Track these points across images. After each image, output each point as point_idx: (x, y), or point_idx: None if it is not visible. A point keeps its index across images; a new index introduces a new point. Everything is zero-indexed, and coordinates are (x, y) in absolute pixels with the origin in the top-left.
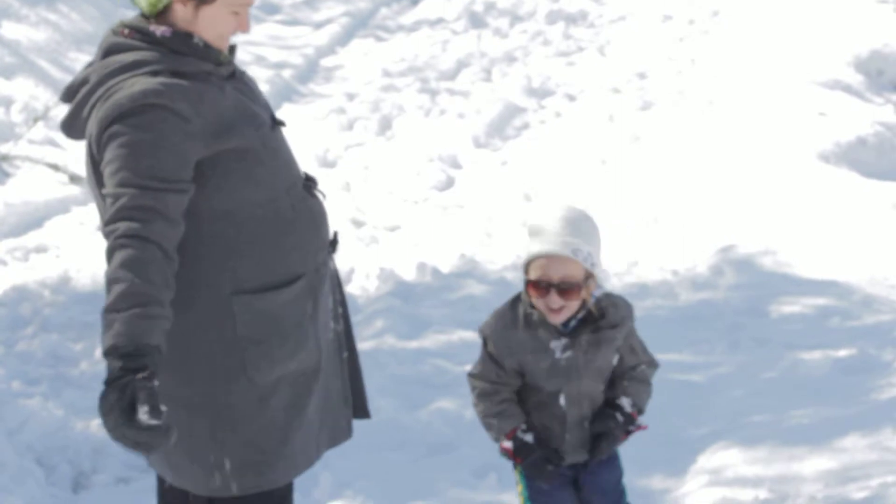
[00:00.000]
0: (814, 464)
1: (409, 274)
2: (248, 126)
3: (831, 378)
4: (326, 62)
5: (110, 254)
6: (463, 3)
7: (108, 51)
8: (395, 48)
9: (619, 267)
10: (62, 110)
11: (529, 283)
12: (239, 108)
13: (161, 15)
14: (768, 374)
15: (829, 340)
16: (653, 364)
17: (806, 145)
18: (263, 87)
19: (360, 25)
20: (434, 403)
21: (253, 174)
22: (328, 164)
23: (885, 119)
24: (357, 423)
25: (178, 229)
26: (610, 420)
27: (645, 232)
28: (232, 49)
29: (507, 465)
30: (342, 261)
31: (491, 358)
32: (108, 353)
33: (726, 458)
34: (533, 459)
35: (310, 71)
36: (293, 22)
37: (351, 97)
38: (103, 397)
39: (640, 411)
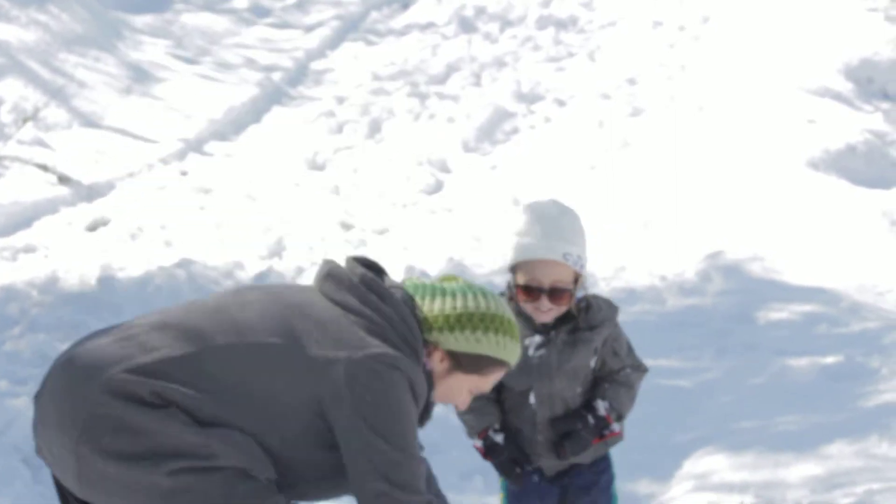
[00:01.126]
0: (800, 470)
1: (397, 277)
2: None
3: (818, 384)
4: (316, 65)
5: None
6: (453, 7)
7: (399, 311)
8: (385, 52)
9: (608, 272)
10: (52, 111)
11: (519, 288)
12: None
13: (425, 343)
14: (755, 381)
15: (817, 347)
16: (639, 368)
17: (795, 152)
18: (253, 90)
19: (350, 29)
20: None
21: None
22: (317, 166)
23: (875, 127)
24: None
25: None
26: (578, 420)
27: (634, 237)
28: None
29: (493, 468)
30: None
31: None
32: None
33: (713, 463)
34: (501, 460)
35: (300, 74)
36: (283, 25)
37: (340, 100)
38: None
39: (620, 416)
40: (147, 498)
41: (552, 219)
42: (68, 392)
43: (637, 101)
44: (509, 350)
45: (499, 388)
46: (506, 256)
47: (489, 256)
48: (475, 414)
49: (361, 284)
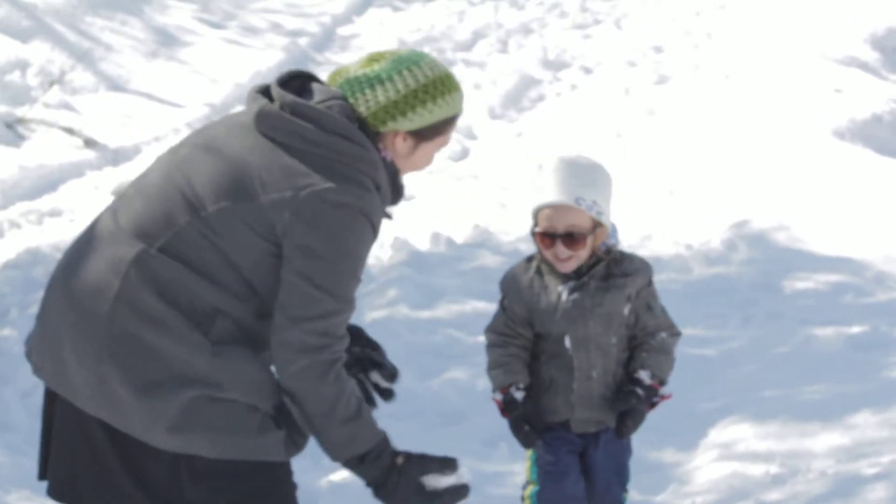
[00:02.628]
0: (825, 439)
1: (423, 244)
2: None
3: (844, 354)
4: (343, 31)
5: (331, 376)
6: None
7: (340, 131)
8: (411, 18)
9: (633, 240)
10: (78, 75)
11: (536, 234)
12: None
13: (378, 134)
14: (781, 350)
15: (842, 316)
16: (674, 332)
17: (821, 121)
18: (279, 55)
19: None
20: (446, 373)
21: None
22: None
23: None
24: None
25: None
26: (631, 397)
27: (659, 206)
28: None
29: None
30: None
31: (503, 308)
32: (361, 463)
33: (738, 432)
34: (515, 416)
35: (326, 39)
36: None
37: None
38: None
39: (662, 382)
40: (155, 423)
41: (569, 166)
42: (82, 313)
43: (663, 68)
44: (457, 100)
45: (535, 337)
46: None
47: (515, 223)
48: (503, 369)
49: (295, 117)
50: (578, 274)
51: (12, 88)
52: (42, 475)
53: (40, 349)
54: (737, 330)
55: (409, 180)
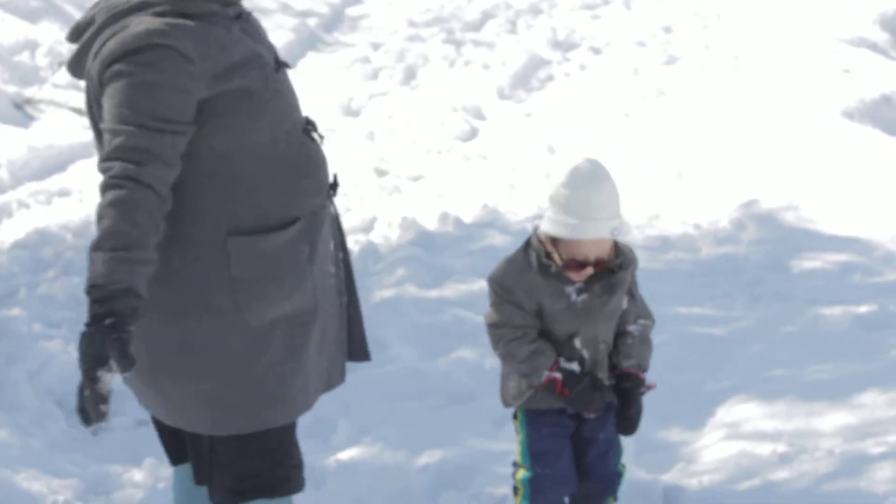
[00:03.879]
0: (832, 419)
1: (431, 223)
2: (253, 67)
3: (852, 334)
4: (352, 11)
5: (103, 191)
6: None
7: None
8: None
9: (641, 220)
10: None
11: (565, 264)
12: (244, 49)
13: None
14: (789, 329)
15: (850, 296)
16: (651, 319)
17: (830, 102)
18: (288, 36)
19: None
20: (454, 353)
21: (254, 115)
22: (352, 112)
23: None
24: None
25: (174, 171)
26: (636, 395)
27: (668, 186)
28: None
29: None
30: (364, 209)
31: (511, 303)
32: (87, 293)
33: (745, 411)
34: (583, 386)
35: (335, 20)
36: None
37: (376, 47)
38: (80, 343)
39: (645, 370)
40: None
41: (596, 193)
42: None
43: (672, 49)
44: None
45: (545, 336)
46: (542, 209)
47: (523, 203)
48: (537, 354)
49: None
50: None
51: (21, 69)
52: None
53: None
54: (744, 310)
55: (417, 160)
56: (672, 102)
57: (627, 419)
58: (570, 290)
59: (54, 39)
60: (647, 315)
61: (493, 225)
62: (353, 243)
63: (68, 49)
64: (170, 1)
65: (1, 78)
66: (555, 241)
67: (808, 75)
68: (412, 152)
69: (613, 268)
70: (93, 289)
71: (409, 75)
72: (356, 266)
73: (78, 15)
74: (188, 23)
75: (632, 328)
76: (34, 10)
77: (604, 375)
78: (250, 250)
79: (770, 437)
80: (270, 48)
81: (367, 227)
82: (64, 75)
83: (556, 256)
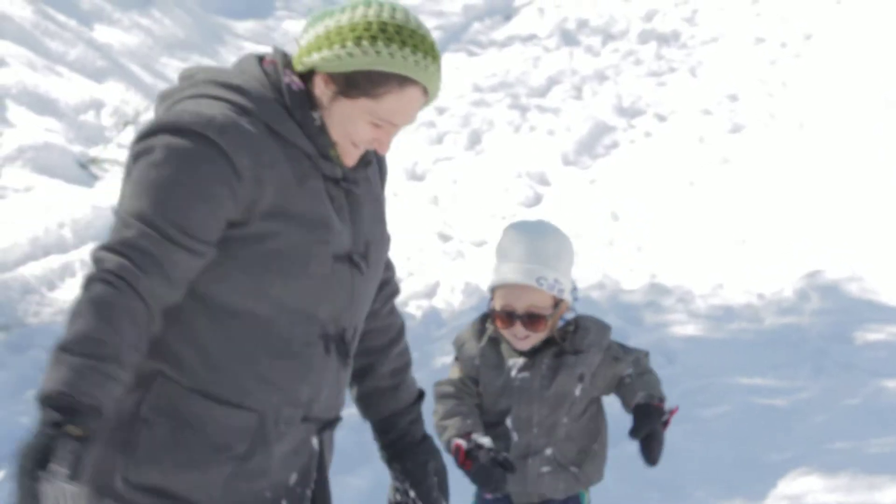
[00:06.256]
0: (894, 493)
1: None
2: (303, 228)
3: None
4: None
5: (87, 284)
6: (555, 20)
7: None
8: (486, 63)
9: (705, 289)
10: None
11: (495, 314)
12: (309, 205)
13: (303, 76)
14: (851, 401)
15: None
16: (641, 351)
17: (895, 171)
18: None
19: (452, 39)
20: None
21: (267, 282)
22: (417, 177)
23: None
24: None
25: (174, 293)
26: (654, 419)
27: (732, 254)
28: (362, 162)
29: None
30: (427, 274)
31: (459, 366)
32: (43, 400)
33: (806, 484)
34: (484, 462)
35: None
36: None
37: (441, 111)
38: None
39: (662, 399)
40: None
41: (530, 241)
42: None
43: (737, 117)
44: (397, 58)
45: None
46: (605, 278)
47: (586, 270)
48: (461, 417)
49: None
50: (532, 350)
51: (87, 128)
52: None
53: None
54: (807, 380)
55: (481, 225)
56: (737, 170)
57: (652, 453)
58: (511, 363)
59: (120, 99)
60: (637, 352)
61: None
62: (416, 308)
63: (133, 109)
64: (263, 108)
65: (66, 137)
66: (495, 298)
67: (873, 144)
68: (476, 217)
69: (564, 346)
70: (56, 395)
71: (474, 140)
72: (418, 331)
73: (144, 75)
74: (263, 137)
75: (627, 371)
76: (100, 69)
77: (536, 463)
78: (173, 403)
79: None
80: (361, 236)
81: (430, 292)
82: (129, 135)
83: (504, 332)
